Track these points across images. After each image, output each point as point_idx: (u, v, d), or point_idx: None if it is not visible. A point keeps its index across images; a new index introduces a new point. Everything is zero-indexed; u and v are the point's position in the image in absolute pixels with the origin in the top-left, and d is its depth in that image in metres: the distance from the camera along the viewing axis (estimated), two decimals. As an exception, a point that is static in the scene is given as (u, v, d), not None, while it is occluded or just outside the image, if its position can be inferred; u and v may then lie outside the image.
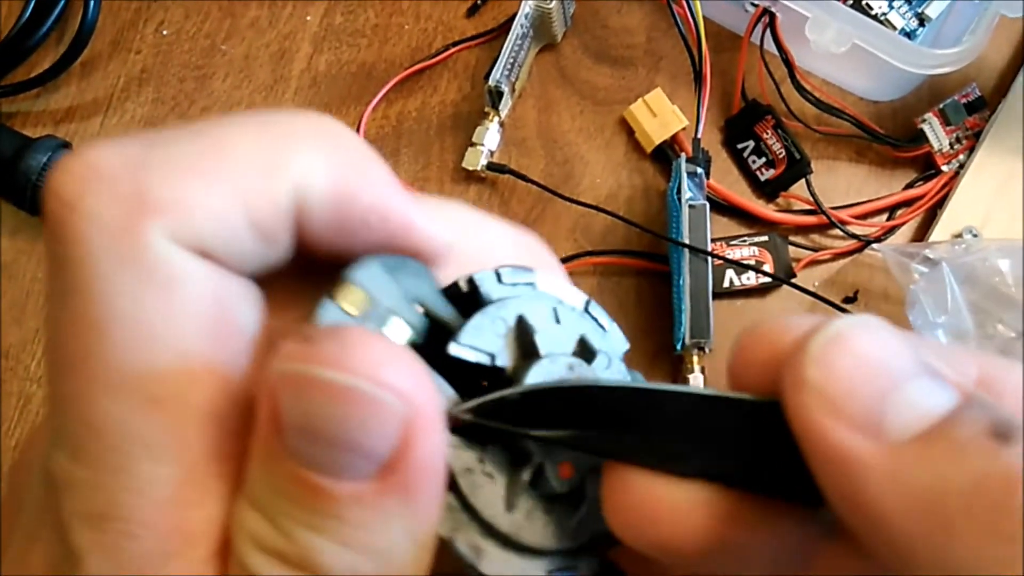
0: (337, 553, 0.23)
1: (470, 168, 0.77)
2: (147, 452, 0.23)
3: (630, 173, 0.78)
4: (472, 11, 0.82)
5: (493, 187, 0.78)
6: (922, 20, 0.78)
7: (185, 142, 0.24)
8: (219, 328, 0.24)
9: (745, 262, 0.74)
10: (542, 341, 0.28)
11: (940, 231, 0.75)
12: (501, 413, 0.26)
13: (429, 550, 0.24)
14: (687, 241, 0.70)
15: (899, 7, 0.78)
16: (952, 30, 0.77)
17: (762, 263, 0.74)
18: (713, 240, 0.73)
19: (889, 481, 0.22)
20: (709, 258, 0.70)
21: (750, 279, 0.74)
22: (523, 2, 0.77)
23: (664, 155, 0.78)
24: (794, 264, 0.75)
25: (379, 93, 0.78)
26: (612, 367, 0.30)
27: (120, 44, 0.82)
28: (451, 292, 0.28)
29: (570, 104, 0.80)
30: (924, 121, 0.77)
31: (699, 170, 0.73)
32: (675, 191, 0.72)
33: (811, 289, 0.72)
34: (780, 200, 0.78)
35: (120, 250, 0.23)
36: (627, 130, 0.79)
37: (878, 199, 0.77)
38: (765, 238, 0.75)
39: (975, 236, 0.74)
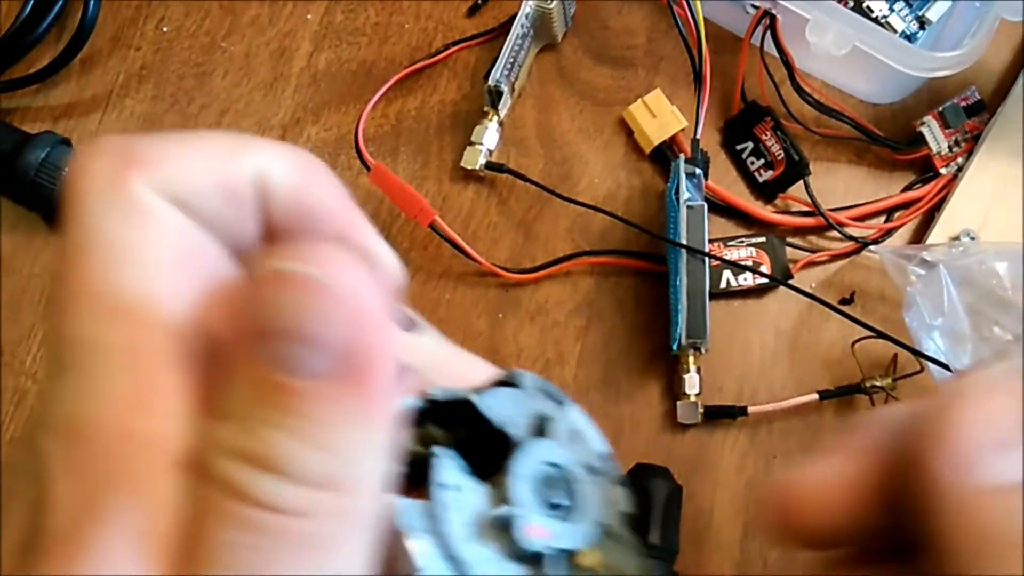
0: (300, 450, 0.24)
1: (469, 167, 0.77)
2: (106, 358, 0.25)
3: (629, 173, 0.78)
4: (472, 11, 0.82)
5: (492, 186, 0.78)
6: (922, 23, 0.78)
7: (166, 134, 0.28)
8: (187, 261, 0.27)
9: (742, 263, 0.74)
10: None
11: (938, 233, 0.75)
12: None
13: (385, 463, 0.25)
14: (685, 241, 0.70)
15: (900, 10, 0.78)
16: (952, 33, 0.77)
17: (759, 264, 0.74)
18: (711, 241, 0.73)
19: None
20: (706, 259, 0.70)
21: (747, 280, 0.74)
22: (523, 2, 0.77)
23: (663, 156, 0.78)
24: (791, 265, 0.75)
25: (379, 91, 0.78)
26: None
27: (120, 41, 0.82)
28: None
29: (569, 104, 0.80)
30: (923, 124, 0.77)
31: (697, 171, 0.73)
32: (673, 192, 0.72)
33: (808, 290, 0.72)
34: (778, 201, 0.78)
35: (107, 192, 0.26)
36: (626, 130, 0.79)
37: (876, 201, 0.77)
38: (763, 239, 0.75)
39: (973, 239, 0.74)
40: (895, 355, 0.72)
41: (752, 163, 0.78)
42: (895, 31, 0.78)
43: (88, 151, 0.27)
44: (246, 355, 0.24)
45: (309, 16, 0.82)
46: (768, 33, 0.75)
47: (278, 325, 0.24)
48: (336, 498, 0.24)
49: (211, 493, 0.24)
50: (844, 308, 0.72)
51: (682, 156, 0.74)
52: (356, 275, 0.24)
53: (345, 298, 0.24)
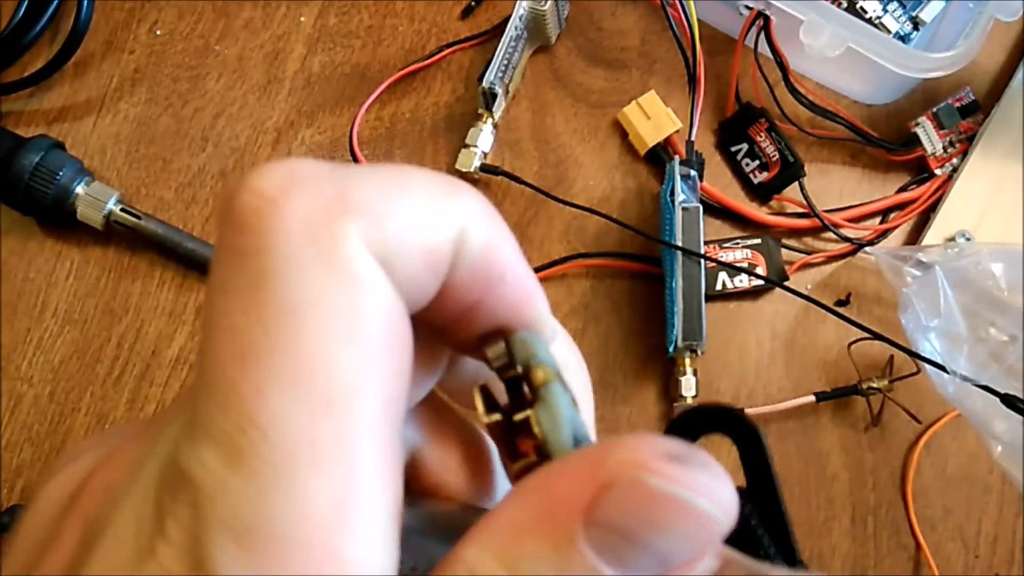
0: None
1: (463, 170, 0.77)
2: (314, 462, 0.22)
3: (623, 175, 0.78)
4: (466, 13, 0.82)
5: (486, 189, 0.78)
6: (916, 24, 0.78)
7: (370, 168, 0.24)
8: (392, 341, 0.23)
9: (738, 265, 0.74)
10: None
11: (933, 234, 0.75)
12: None
13: None
14: (680, 243, 0.70)
15: (893, 11, 0.78)
16: (946, 34, 0.77)
17: (755, 266, 0.74)
18: (706, 242, 0.73)
19: None
20: (702, 260, 0.70)
21: (743, 282, 0.74)
22: (517, 4, 0.77)
23: (658, 157, 0.78)
24: (787, 267, 0.75)
25: (373, 94, 0.78)
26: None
27: (113, 44, 0.82)
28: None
29: (564, 106, 0.80)
30: (918, 125, 0.77)
31: (692, 173, 0.73)
32: (668, 193, 0.72)
33: (804, 292, 0.72)
34: (773, 203, 0.78)
35: (318, 243, 0.22)
36: (621, 132, 0.79)
37: (871, 202, 0.77)
38: (758, 241, 0.75)
39: (968, 240, 0.74)
40: (891, 356, 0.72)
41: (747, 164, 0.78)
42: (889, 32, 0.78)
43: (285, 177, 0.23)
44: (575, 532, 0.22)
45: (302, 19, 0.82)
46: (762, 34, 0.75)
47: (633, 530, 0.22)
48: None
49: None
50: (840, 310, 0.72)
51: (677, 158, 0.74)
52: (726, 504, 0.23)
53: (710, 527, 0.22)
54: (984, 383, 0.64)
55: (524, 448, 0.26)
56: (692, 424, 0.28)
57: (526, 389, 0.27)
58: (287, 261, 0.22)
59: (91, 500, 0.25)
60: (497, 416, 0.27)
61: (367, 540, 0.22)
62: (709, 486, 0.22)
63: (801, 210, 0.76)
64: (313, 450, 0.22)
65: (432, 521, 0.28)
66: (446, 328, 0.27)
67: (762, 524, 0.28)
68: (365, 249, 0.23)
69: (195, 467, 0.22)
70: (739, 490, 0.26)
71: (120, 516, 0.24)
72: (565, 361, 0.29)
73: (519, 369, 0.27)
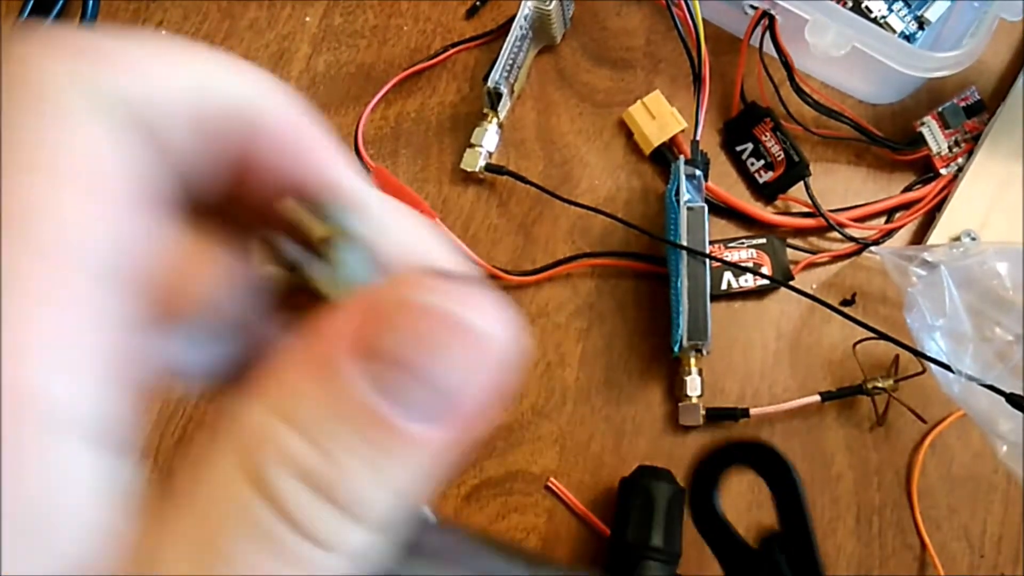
0: (369, 486, 0.21)
1: (468, 169, 0.77)
2: (21, 297, 0.20)
3: (628, 175, 0.78)
4: (471, 12, 0.82)
5: (491, 188, 0.78)
6: (921, 23, 0.78)
7: (144, 36, 0.23)
8: (133, 197, 0.22)
9: (743, 264, 0.74)
10: None
11: (938, 234, 0.75)
12: None
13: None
14: (685, 243, 0.70)
15: (898, 10, 0.78)
16: (951, 33, 0.77)
17: (760, 265, 0.74)
18: (711, 242, 0.73)
19: None
20: (707, 260, 0.70)
21: (748, 281, 0.74)
22: (522, 3, 0.77)
23: (663, 157, 0.78)
24: (792, 266, 0.75)
25: (378, 94, 0.78)
26: None
27: (119, 44, 0.82)
28: None
29: (569, 106, 0.80)
30: (923, 124, 0.77)
31: (697, 172, 0.73)
32: (673, 193, 0.72)
33: (809, 292, 0.72)
34: (778, 202, 0.78)
35: (61, 89, 0.22)
36: (626, 132, 0.79)
37: (876, 202, 0.77)
38: (763, 240, 0.75)
39: (973, 239, 0.74)
40: (897, 356, 0.72)
41: (752, 164, 0.78)
42: (894, 31, 0.78)
43: (35, 37, 0.22)
44: (351, 370, 0.21)
45: (307, 19, 0.82)
46: (767, 34, 0.75)
47: (404, 355, 0.21)
48: (368, 539, 0.22)
49: (247, 498, 0.21)
50: (845, 309, 0.72)
51: (682, 157, 0.74)
52: (503, 327, 0.22)
53: (486, 350, 0.22)
54: (989, 382, 0.64)
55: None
56: (725, 457, 0.28)
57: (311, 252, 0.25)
58: (24, 106, 0.21)
59: None
60: (271, 269, 0.26)
61: (52, 369, 0.20)
62: (482, 305, 0.22)
63: (806, 210, 0.76)
64: (24, 288, 0.20)
65: None
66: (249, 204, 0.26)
67: (793, 572, 0.27)
68: (107, 96, 0.22)
69: None
70: (771, 536, 0.25)
71: None
72: (383, 229, 0.27)
73: (302, 229, 0.25)
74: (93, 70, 0.22)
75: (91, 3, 0.79)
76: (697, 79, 0.76)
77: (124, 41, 0.23)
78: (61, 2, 0.81)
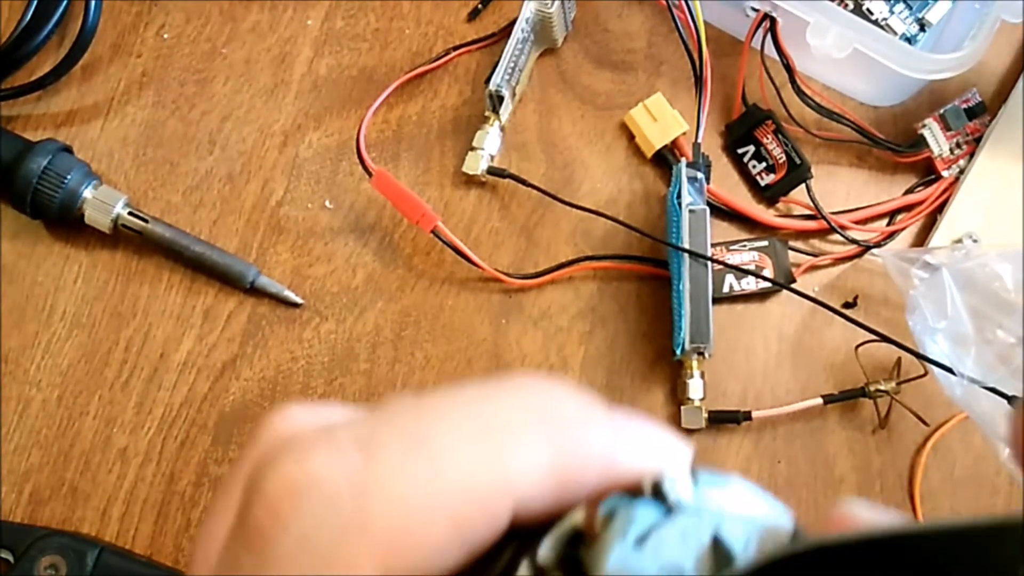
0: None
1: (470, 172, 0.77)
2: None
3: (630, 178, 0.78)
4: (473, 15, 0.82)
5: (493, 191, 0.78)
6: (923, 25, 0.78)
7: (404, 450, 0.23)
8: None
9: (745, 267, 0.74)
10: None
11: (940, 236, 0.75)
12: None
13: None
14: (687, 246, 0.70)
15: (900, 12, 0.78)
16: (953, 35, 0.77)
17: (762, 268, 0.74)
18: (713, 245, 0.73)
19: None
20: (709, 263, 0.70)
21: (750, 284, 0.74)
22: (524, 6, 0.77)
23: (664, 160, 0.78)
24: (794, 269, 0.75)
25: (380, 97, 0.78)
26: None
27: (121, 48, 0.82)
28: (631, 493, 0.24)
29: (570, 108, 0.80)
30: (924, 126, 0.77)
31: (699, 175, 0.73)
32: (675, 196, 0.72)
33: (811, 294, 0.72)
34: (780, 205, 0.78)
35: (313, 567, 0.21)
36: (627, 135, 0.79)
37: (878, 204, 0.77)
38: (765, 243, 0.75)
39: (975, 241, 0.74)
40: (899, 359, 0.72)
41: (754, 166, 0.78)
42: (895, 33, 0.78)
43: (299, 484, 0.22)
44: None
45: (309, 22, 0.82)
46: (768, 36, 0.75)
47: None
48: None
49: None
50: (847, 312, 0.72)
51: (684, 160, 0.74)
52: None
53: None
54: (991, 385, 0.64)
55: None
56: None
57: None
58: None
59: None
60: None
61: None
62: None
63: (808, 212, 0.76)
64: None
65: None
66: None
67: None
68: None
69: None
70: None
71: None
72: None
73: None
74: (377, 559, 0.22)
75: (93, 6, 0.79)
76: (699, 81, 0.76)
77: (389, 504, 0.22)
78: (64, 4, 0.81)
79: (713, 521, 0.24)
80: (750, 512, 0.24)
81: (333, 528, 0.21)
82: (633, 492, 0.24)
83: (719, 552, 0.23)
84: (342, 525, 0.21)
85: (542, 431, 0.24)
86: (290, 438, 0.23)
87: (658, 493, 0.24)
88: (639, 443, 0.26)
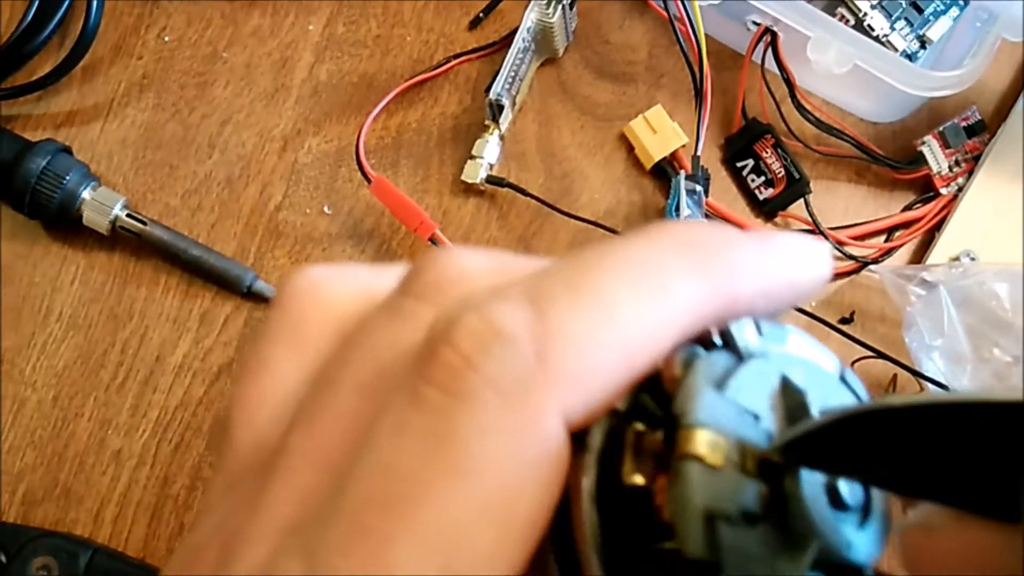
0: None
1: (469, 181, 0.77)
2: None
3: (629, 189, 0.78)
4: (474, 24, 0.82)
5: (492, 200, 0.78)
6: (923, 42, 0.78)
7: (571, 299, 0.24)
8: (538, 531, 0.23)
9: (742, 280, 0.74)
10: (812, 403, 0.25)
11: (938, 254, 0.75)
12: (810, 453, 0.24)
13: None
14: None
15: (901, 29, 0.78)
16: (953, 53, 0.77)
17: (759, 282, 0.74)
18: (711, 258, 0.73)
19: None
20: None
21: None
22: (525, 16, 0.77)
23: (663, 172, 0.78)
24: (791, 283, 0.75)
25: (380, 104, 0.78)
26: None
27: (122, 49, 0.82)
28: (700, 343, 0.26)
29: (570, 119, 0.80)
30: (923, 143, 0.77)
31: (698, 188, 0.73)
32: (674, 208, 0.72)
33: (807, 309, 0.72)
34: (778, 219, 0.78)
35: (512, 418, 0.23)
36: (627, 146, 0.79)
37: (876, 220, 0.77)
38: (763, 257, 0.75)
39: (973, 259, 0.74)
40: (895, 375, 0.72)
41: (752, 180, 0.78)
42: (896, 50, 0.78)
43: (487, 333, 0.23)
44: None
45: (311, 27, 0.82)
46: (769, 50, 0.75)
47: None
48: None
49: None
50: (844, 327, 0.72)
51: (683, 172, 0.74)
52: None
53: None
54: (987, 404, 0.64)
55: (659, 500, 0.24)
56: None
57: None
58: (473, 429, 0.23)
59: None
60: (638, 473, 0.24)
61: None
62: None
63: (806, 227, 0.77)
64: None
65: None
66: None
67: None
68: (561, 423, 0.23)
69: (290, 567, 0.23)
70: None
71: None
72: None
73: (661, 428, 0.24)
74: (559, 395, 0.23)
75: (95, 7, 0.79)
76: (699, 94, 0.76)
77: (564, 338, 0.24)
78: (66, 4, 0.81)
79: (779, 365, 0.26)
80: (808, 357, 0.27)
81: (519, 372, 0.23)
82: (704, 344, 0.26)
83: (788, 392, 0.25)
84: (527, 369, 0.23)
85: (693, 263, 0.25)
86: (465, 297, 0.24)
87: (727, 343, 0.26)
88: (785, 251, 0.28)
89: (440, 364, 0.23)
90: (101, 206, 0.75)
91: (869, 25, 0.78)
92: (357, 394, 0.26)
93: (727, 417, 0.24)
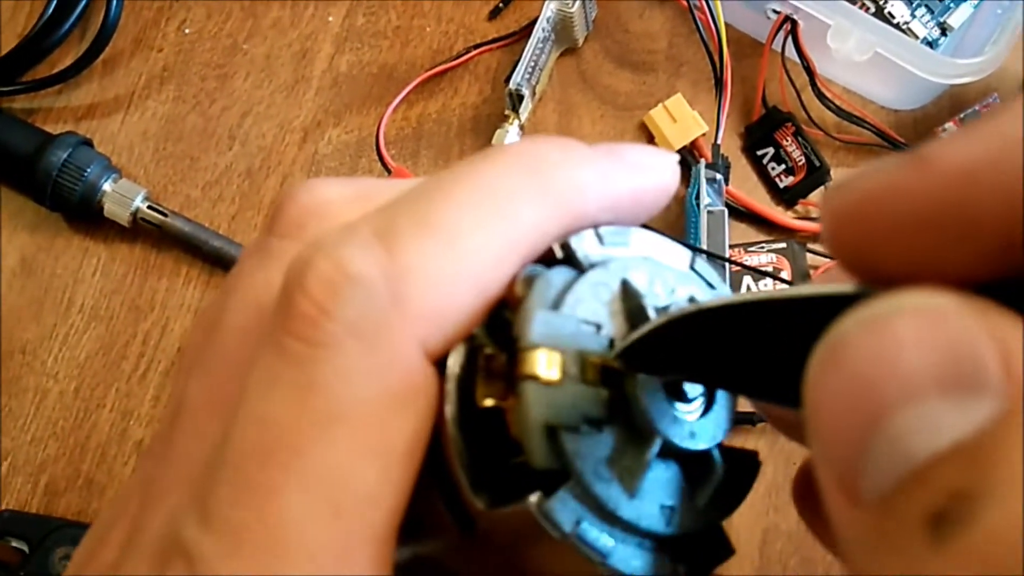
0: None
1: (489, 171, 0.77)
2: (312, 562, 0.23)
3: (649, 178, 0.78)
4: (494, 14, 0.82)
5: (512, 190, 0.78)
6: (944, 29, 0.78)
7: (421, 235, 0.25)
8: (414, 458, 0.24)
9: (763, 269, 0.74)
10: (651, 305, 0.26)
11: (959, 241, 0.75)
12: (644, 357, 0.25)
13: None
14: (705, 247, 0.70)
15: (921, 16, 0.78)
16: (974, 40, 0.77)
17: (780, 270, 0.74)
18: (731, 246, 0.73)
19: (861, 555, 0.18)
20: (727, 264, 0.70)
21: (767, 286, 0.74)
22: (545, 5, 0.77)
23: (683, 161, 0.78)
24: (812, 271, 0.75)
25: (400, 95, 0.78)
26: None
27: (142, 42, 0.82)
28: (545, 260, 0.27)
29: (590, 108, 0.80)
30: (944, 131, 0.77)
31: (718, 176, 0.73)
32: (694, 197, 0.72)
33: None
34: (799, 207, 0.78)
35: (374, 360, 0.23)
36: (647, 135, 0.79)
37: (897, 208, 0.77)
38: (783, 245, 0.75)
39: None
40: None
41: (773, 168, 0.77)
42: (916, 37, 0.78)
43: (337, 277, 0.24)
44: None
45: (330, 18, 0.82)
46: (789, 38, 0.75)
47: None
48: None
49: None
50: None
51: (703, 161, 0.74)
52: None
53: None
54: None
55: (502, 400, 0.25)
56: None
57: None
58: (335, 371, 0.23)
59: (107, 556, 0.27)
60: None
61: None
62: None
63: (827, 215, 0.76)
64: (312, 553, 0.23)
65: None
66: None
67: None
68: (421, 356, 0.24)
69: (195, 549, 0.23)
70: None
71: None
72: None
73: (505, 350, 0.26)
74: (416, 329, 0.24)
75: (115, 1, 0.79)
76: (719, 83, 0.76)
77: (417, 271, 0.24)
78: (84, 2, 0.81)
79: (620, 270, 0.27)
80: (655, 255, 0.28)
81: (374, 313, 0.23)
82: (546, 260, 0.27)
83: (628, 296, 0.26)
84: (382, 309, 0.24)
85: (536, 184, 0.26)
86: (317, 241, 0.25)
87: (568, 257, 0.27)
88: (630, 165, 0.28)
89: (297, 314, 0.24)
90: (122, 198, 0.75)
91: (889, 12, 0.78)
92: (240, 338, 0.27)
93: (566, 331, 0.25)
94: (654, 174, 0.29)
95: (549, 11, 0.77)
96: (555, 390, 0.24)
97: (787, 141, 0.77)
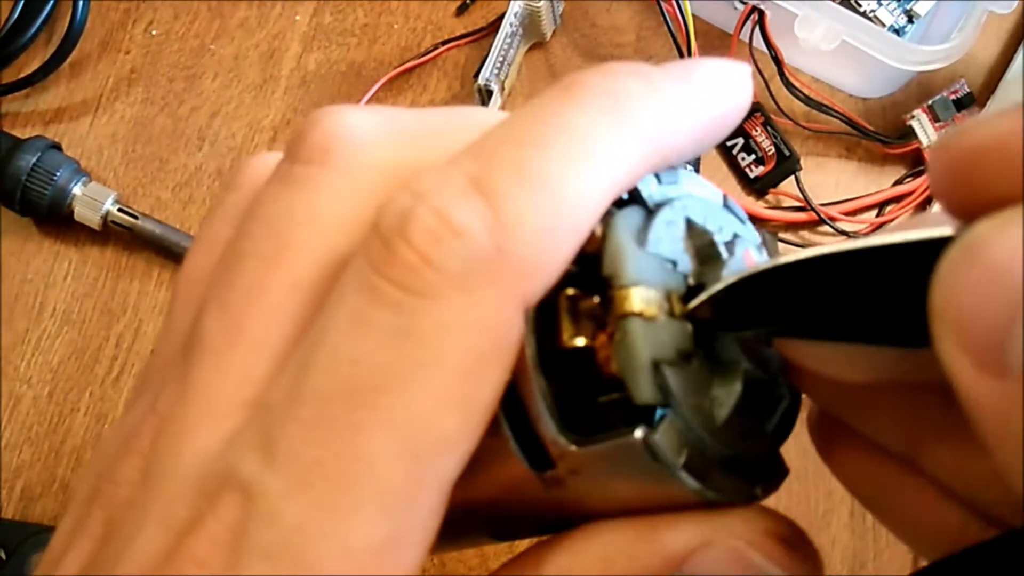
0: None
1: (460, 167, 0.77)
2: (375, 501, 0.23)
3: (620, 171, 0.78)
4: (461, 10, 0.82)
5: (483, 186, 0.78)
6: (911, 17, 0.78)
7: (519, 186, 0.24)
8: (492, 410, 0.24)
9: (735, 259, 0.74)
10: (720, 241, 0.28)
11: (929, 227, 0.75)
12: (734, 308, 0.26)
13: None
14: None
15: (888, 4, 0.78)
16: (941, 27, 0.77)
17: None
18: (703, 237, 0.73)
19: (1004, 426, 0.19)
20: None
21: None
22: (512, 1, 0.77)
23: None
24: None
25: (369, 92, 0.78)
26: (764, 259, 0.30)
27: (109, 44, 0.82)
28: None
29: (560, 102, 0.80)
30: (913, 118, 0.77)
31: (688, 167, 0.73)
32: (664, 188, 0.72)
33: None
34: (770, 197, 0.78)
35: (475, 313, 0.23)
36: (617, 128, 0.79)
37: (867, 195, 0.77)
38: (755, 235, 0.75)
39: (964, 232, 0.74)
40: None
41: (743, 159, 0.78)
42: (883, 25, 0.78)
43: (437, 225, 0.24)
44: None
45: (298, 17, 0.82)
46: (757, 29, 0.75)
47: None
48: None
49: None
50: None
51: (673, 153, 0.74)
52: None
53: None
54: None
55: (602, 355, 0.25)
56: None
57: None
58: (437, 325, 0.23)
59: (118, 493, 0.26)
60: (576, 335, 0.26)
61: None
62: None
63: (797, 204, 0.76)
64: (382, 494, 0.23)
65: None
66: None
67: None
68: (519, 313, 0.24)
69: (257, 486, 0.23)
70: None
71: (154, 509, 0.25)
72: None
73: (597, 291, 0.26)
74: (515, 282, 0.24)
75: (81, 3, 0.79)
76: (687, 74, 0.76)
77: (528, 239, 0.24)
78: (52, 1, 0.81)
79: (681, 209, 0.27)
80: (699, 193, 0.28)
81: (479, 267, 0.23)
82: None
83: (695, 234, 0.27)
84: (487, 265, 0.23)
85: (620, 120, 0.25)
86: (412, 186, 0.24)
87: (632, 196, 0.27)
88: (707, 84, 0.28)
89: (398, 262, 0.23)
90: (92, 201, 0.75)
91: (856, 1, 0.78)
92: (263, 267, 0.26)
93: (651, 269, 0.26)
94: (733, 94, 0.29)
95: (516, 6, 0.77)
96: (656, 325, 0.25)
97: (756, 131, 0.77)
